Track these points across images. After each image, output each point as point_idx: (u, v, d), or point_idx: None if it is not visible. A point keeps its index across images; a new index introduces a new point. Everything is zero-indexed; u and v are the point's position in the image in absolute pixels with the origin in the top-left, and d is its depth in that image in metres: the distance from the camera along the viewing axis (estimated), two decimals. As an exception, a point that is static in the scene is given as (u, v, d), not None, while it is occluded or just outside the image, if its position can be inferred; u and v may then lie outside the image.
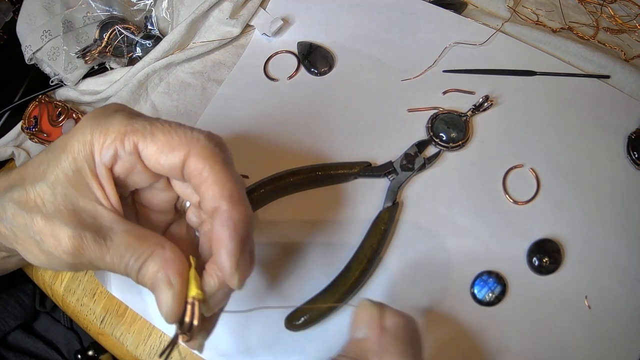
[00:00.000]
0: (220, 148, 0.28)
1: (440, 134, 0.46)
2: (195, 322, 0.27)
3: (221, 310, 0.30)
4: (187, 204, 0.33)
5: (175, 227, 0.33)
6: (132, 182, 0.30)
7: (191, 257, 0.28)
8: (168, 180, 0.31)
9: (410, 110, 0.48)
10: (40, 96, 0.50)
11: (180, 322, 0.27)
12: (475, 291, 0.41)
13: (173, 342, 0.27)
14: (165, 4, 0.51)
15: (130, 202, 0.32)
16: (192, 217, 0.32)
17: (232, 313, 0.31)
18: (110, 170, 0.28)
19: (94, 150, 0.28)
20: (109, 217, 0.28)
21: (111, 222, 0.28)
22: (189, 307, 0.27)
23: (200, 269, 0.28)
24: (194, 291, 0.27)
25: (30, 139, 0.49)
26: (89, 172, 0.28)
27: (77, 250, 0.27)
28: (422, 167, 0.45)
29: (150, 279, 0.27)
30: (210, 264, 0.28)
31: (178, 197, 0.33)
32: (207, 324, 0.29)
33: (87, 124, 0.28)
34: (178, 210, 0.34)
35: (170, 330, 0.41)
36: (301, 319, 0.39)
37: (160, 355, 0.27)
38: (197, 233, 0.33)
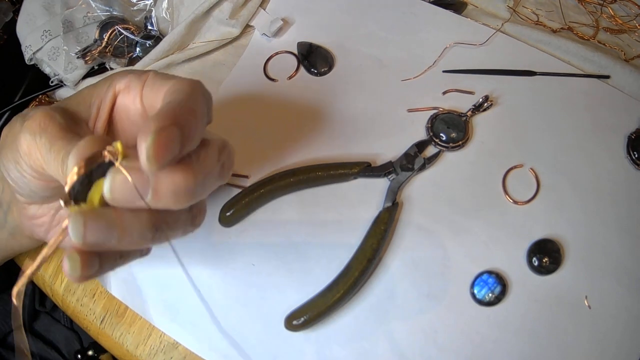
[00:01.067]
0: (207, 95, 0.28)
1: (440, 134, 0.46)
2: (76, 177, 0.23)
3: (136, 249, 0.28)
4: None
5: None
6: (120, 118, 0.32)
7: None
8: None
9: (410, 111, 0.48)
10: (40, 96, 0.50)
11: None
12: (475, 291, 0.41)
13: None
14: (165, 4, 0.51)
15: None
16: None
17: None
18: (115, 98, 0.31)
19: (114, 80, 0.31)
20: (86, 132, 0.30)
21: (83, 133, 0.29)
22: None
23: None
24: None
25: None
26: (97, 93, 0.31)
27: (42, 123, 0.28)
28: (422, 167, 0.45)
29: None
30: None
31: None
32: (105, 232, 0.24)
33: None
34: None
35: (173, 332, 0.41)
36: (301, 319, 0.39)
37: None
38: None
